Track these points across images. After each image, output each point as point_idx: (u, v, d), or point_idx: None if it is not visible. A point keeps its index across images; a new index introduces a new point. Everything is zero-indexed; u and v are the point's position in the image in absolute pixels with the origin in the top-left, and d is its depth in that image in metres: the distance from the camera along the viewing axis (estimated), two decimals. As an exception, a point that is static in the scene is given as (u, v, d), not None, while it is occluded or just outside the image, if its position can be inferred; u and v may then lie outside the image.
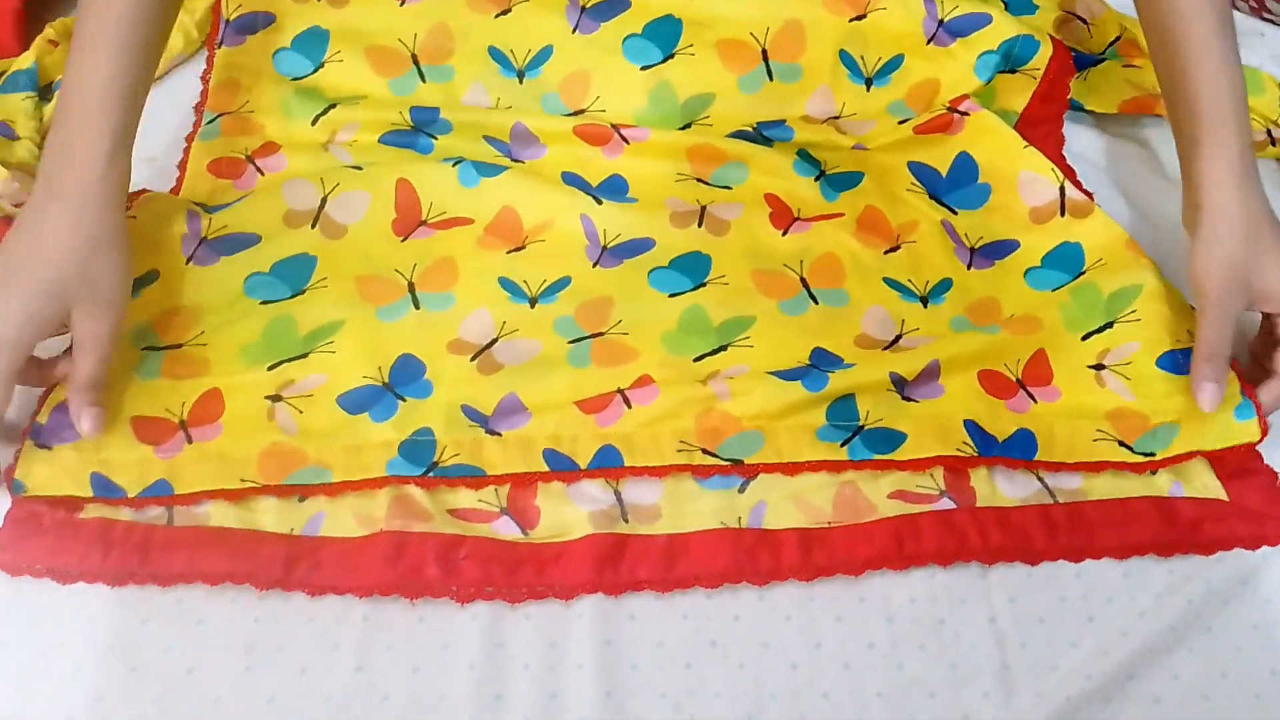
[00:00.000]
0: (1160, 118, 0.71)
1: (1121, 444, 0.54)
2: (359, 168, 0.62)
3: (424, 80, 0.68)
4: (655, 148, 0.65)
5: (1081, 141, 0.70)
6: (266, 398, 0.54)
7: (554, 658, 0.49)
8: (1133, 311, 0.57)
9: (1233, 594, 0.52)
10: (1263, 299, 0.56)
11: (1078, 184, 0.64)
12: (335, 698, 0.47)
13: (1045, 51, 0.67)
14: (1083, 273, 0.60)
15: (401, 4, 0.68)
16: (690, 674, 0.49)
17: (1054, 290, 0.60)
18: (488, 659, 0.48)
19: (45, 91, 0.67)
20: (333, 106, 0.65)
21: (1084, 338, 0.58)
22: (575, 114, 0.67)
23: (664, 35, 0.68)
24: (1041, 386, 0.57)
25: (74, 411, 0.51)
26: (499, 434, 0.53)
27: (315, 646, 0.48)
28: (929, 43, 0.68)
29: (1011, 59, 0.67)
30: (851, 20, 0.68)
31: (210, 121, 0.65)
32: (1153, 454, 0.54)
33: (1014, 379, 0.57)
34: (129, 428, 0.52)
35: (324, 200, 0.61)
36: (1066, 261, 0.61)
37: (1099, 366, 0.57)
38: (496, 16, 0.68)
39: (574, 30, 0.68)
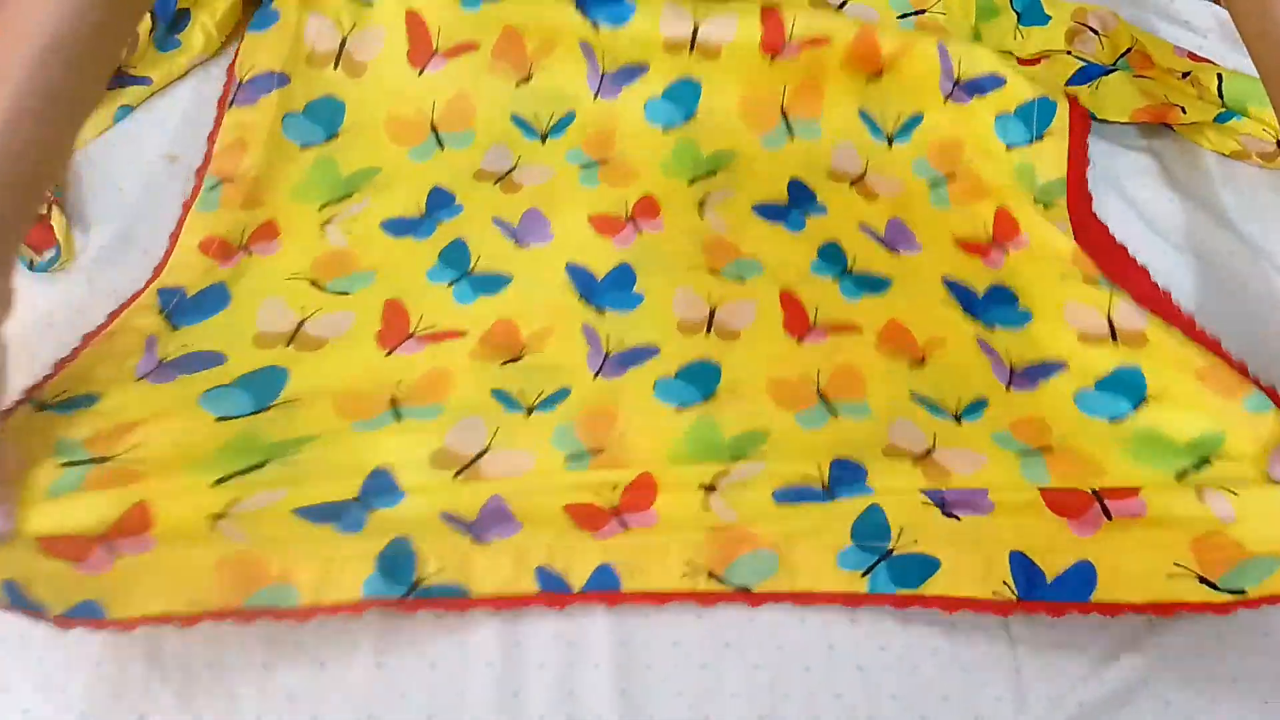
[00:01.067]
0: (1170, 131, 0.72)
1: (1203, 579, 0.47)
2: (345, 292, 0.58)
3: (443, 147, 0.66)
4: (669, 239, 0.61)
5: (1092, 151, 0.70)
6: (211, 515, 0.46)
7: (571, 656, 0.49)
8: (1223, 453, 0.51)
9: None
10: None
11: (1139, 282, 0.59)
12: (355, 693, 0.48)
13: (1064, 109, 0.66)
14: (1145, 401, 0.54)
15: (420, 73, 0.67)
16: (706, 673, 0.49)
17: (1110, 421, 0.54)
18: (505, 656, 0.49)
19: (65, 90, 0.67)
20: (347, 196, 0.63)
21: (1178, 476, 0.51)
22: (600, 162, 0.65)
23: (684, 97, 0.67)
24: (1121, 500, 0.49)
25: None
26: (486, 543, 0.48)
27: (334, 643, 0.49)
28: (946, 100, 0.67)
29: (1035, 124, 0.66)
30: (869, 78, 0.68)
31: (211, 188, 0.61)
32: (1243, 591, 0.46)
33: (1089, 491, 0.50)
34: (36, 547, 0.43)
35: (301, 323, 0.57)
36: (1124, 389, 0.55)
37: (1198, 487, 0.50)
38: (517, 85, 0.67)
39: (596, 96, 0.67)
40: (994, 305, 0.60)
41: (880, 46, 0.67)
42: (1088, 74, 0.71)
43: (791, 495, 0.50)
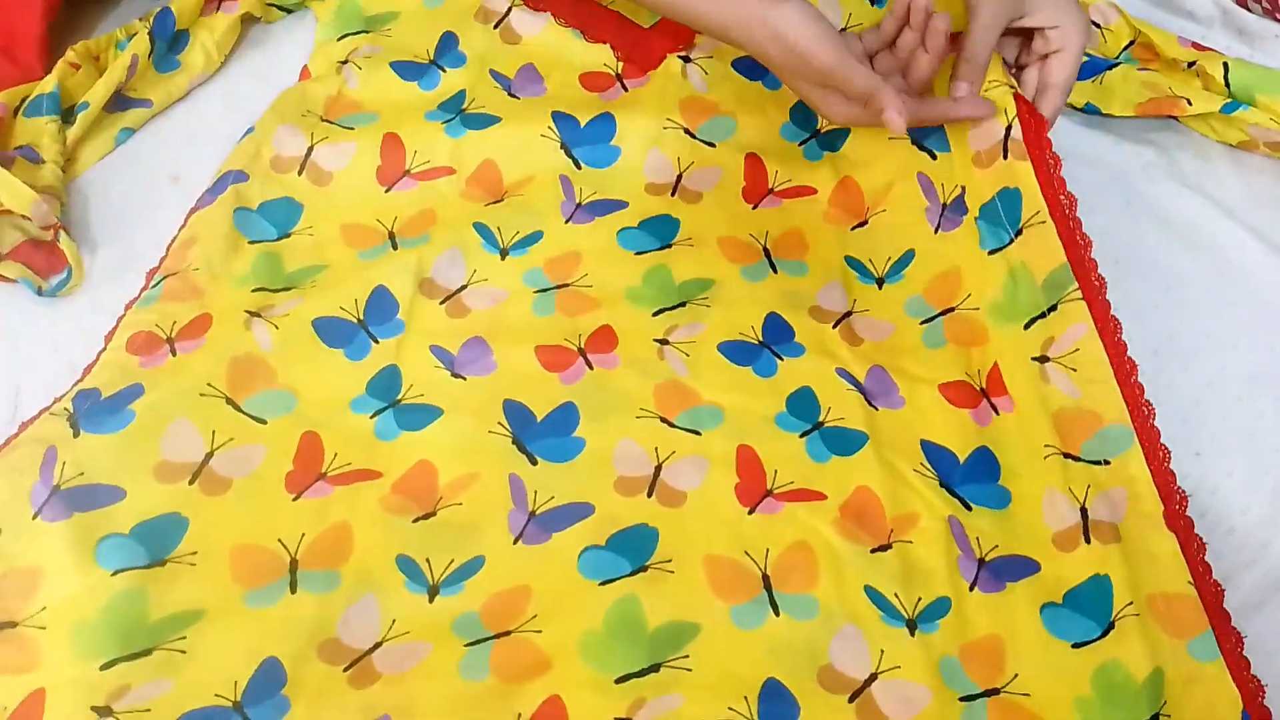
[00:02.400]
0: (1176, 123, 0.71)
1: None
2: (262, 421, 0.53)
3: (395, 249, 0.61)
4: (620, 378, 0.56)
5: (1098, 146, 0.69)
6: (94, 708, 0.44)
7: None
8: (1164, 704, 0.46)
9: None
10: (1034, 13, 0.60)
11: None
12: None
13: (1030, 188, 0.58)
14: (1111, 626, 0.48)
15: (387, 190, 0.64)
16: None
17: (1074, 647, 0.48)
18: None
19: (68, 114, 0.67)
20: (286, 290, 0.59)
21: None
22: (559, 287, 0.60)
23: (661, 230, 0.63)
24: None
25: None
26: None
27: None
28: (937, 230, 0.62)
29: (1005, 221, 0.59)
30: (853, 229, 0.64)
31: (155, 285, 0.58)
32: None
33: None
34: None
35: (210, 455, 0.52)
36: (1091, 606, 0.49)
37: None
38: (487, 205, 0.64)
39: (567, 221, 0.63)
40: (974, 477, 0.54)
41: (863, 193, 0.63)
42: (1092, 68, 0.70)
43: None
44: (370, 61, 0.69)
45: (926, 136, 0.64)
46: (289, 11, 0.75)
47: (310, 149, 0.65)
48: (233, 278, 0.59)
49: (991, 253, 0.59)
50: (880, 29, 0.63)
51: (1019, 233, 0.58)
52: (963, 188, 0.62)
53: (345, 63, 0.69)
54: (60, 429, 0.52)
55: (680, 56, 0.69)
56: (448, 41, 0.70)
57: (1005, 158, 0.59)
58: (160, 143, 0.68)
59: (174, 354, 0.55)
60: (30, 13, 0.69)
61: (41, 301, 0.60)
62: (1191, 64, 0.70)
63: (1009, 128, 0.59)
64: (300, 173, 0.64)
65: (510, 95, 0.67)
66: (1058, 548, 0.51)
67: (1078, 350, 0.54)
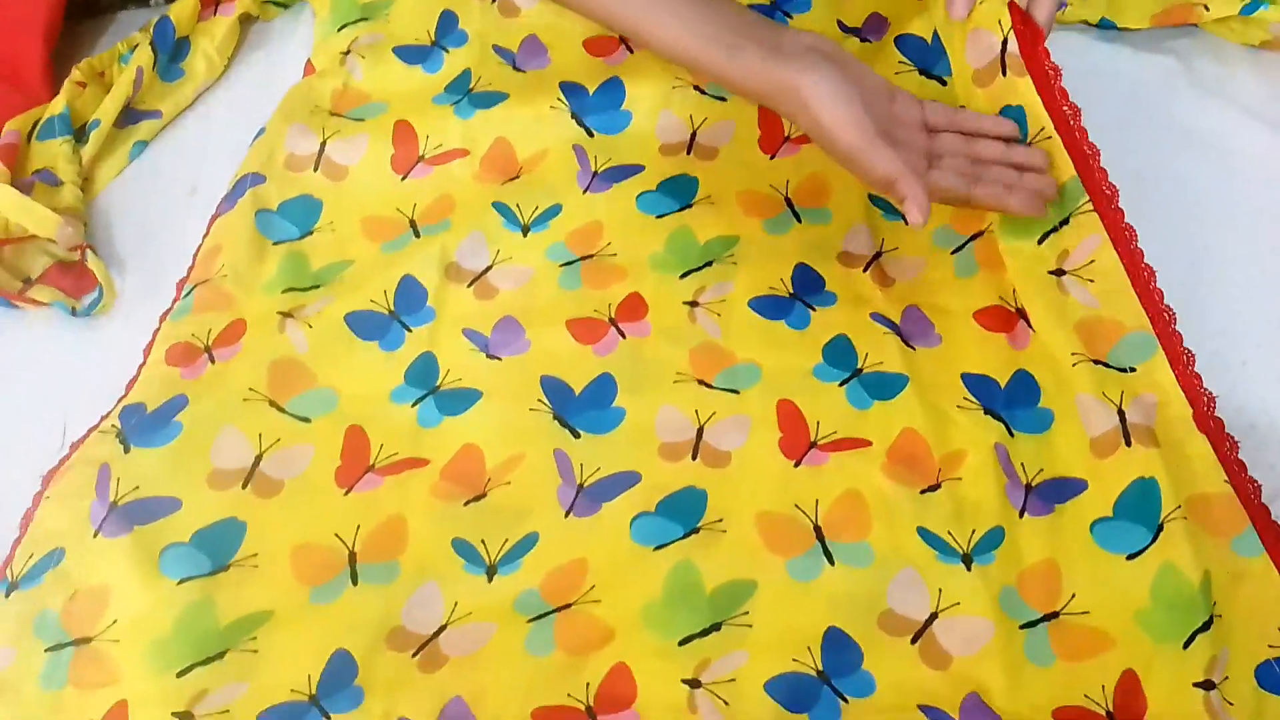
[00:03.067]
0: (1194, 27, 0.69)
1: None
2: (306, 420, 0.54)
3: (418, 237, 0.62)
4: (654, 346, 0.56)
5: (1116, 61, 0.68)
6: (175, 715, 0.45)
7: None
8: (1214, 605, 0.46)
9: None
10: None
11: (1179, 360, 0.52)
12: None
13: (1033, 104, 0.55)
14: (1160, 529, 0.48)
15: (403, 179, 0.64)
16: None
17: (1128, 558, 0.48)
18: None
19: (80, 134, 0.67)
20: (314, 288, 0.59)
21: (1186, 643, 0.46)
22: (584, 259, 0.60)
23: (680, 190, 0.63)
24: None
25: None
26: None
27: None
28: None
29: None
30: None
31: (186, 295, 0.59)
32: None
33: (1104, 712, 0.45)
34: None
35: (259, 459, 0.53)
36: (1141, 510, 0.49)
37: (1208, 685, 0.45)
38: (504, 183, 0.64)
39: (585, 191, 0.63)
40: (1016, 402, 0.54)
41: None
42: (1105, -20, 0.69)
43: (784, 691, 0.45)
44: (373, 50, 0.69)
45: (935, 64, 0.64)
46: (285, 7, 0.75)
47: (323, 145, 0.65)
48: (261, 282, 0.59)
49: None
50: (957, 116, 0.57)
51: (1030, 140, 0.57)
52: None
53: (348, 54, 0.69)
54: (111, 447, 0.53)
55: None
56: (447, 21, 0.70)
57: (1004, 74, 0.57)
58: (175, 153, 0.68)
59: (213, 362, 0.56)
60: (32, 37, 0.69)
61: (77, 323, 0.60)
62: (1206, -31, 0.68)
63: (1005, 41, 0.56)
64: (316, 169, 0.64)
65: (516, 69, 0.67)
66: (1097, 455, 0.51)
67: (1093, 262, 0.54)
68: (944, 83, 0.64)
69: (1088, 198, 0.54)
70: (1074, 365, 0.53)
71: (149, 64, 0.69)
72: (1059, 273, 0.55)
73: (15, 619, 0.48)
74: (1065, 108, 0.55)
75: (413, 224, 0.63)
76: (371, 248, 0.62)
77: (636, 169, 0.64)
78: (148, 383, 0.56)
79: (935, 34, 0.66)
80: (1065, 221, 0.55)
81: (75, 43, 0.73)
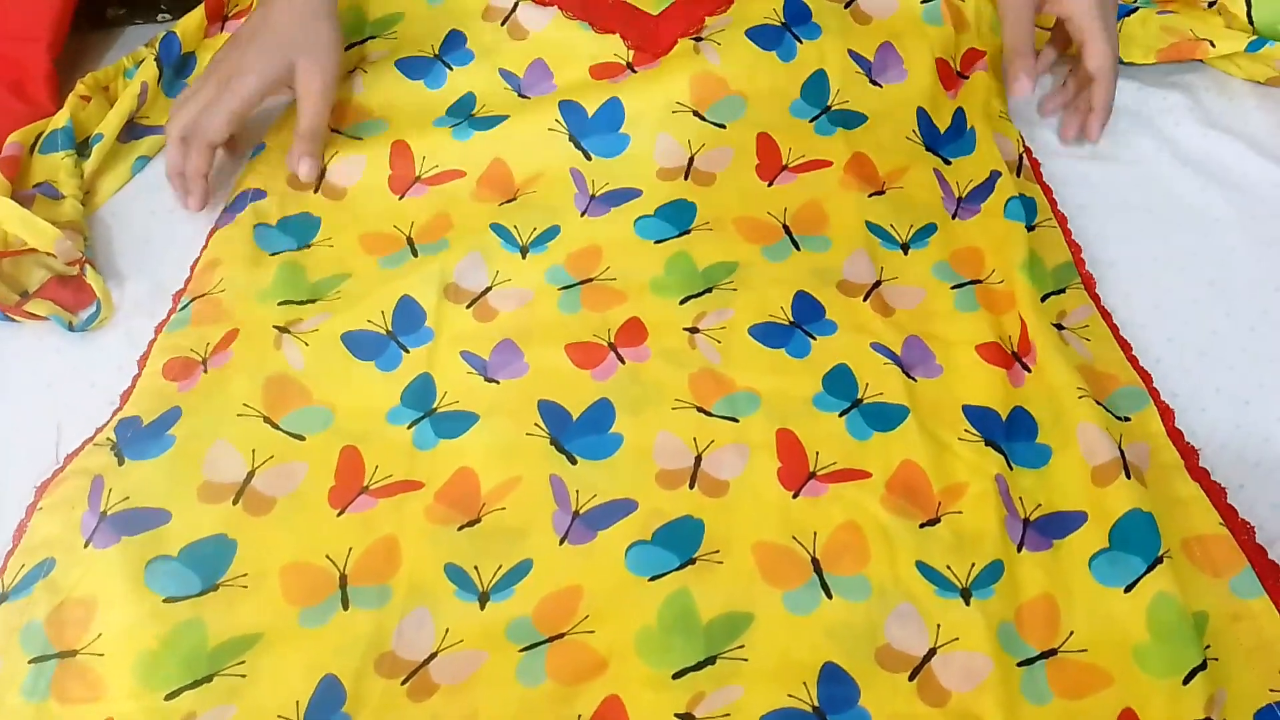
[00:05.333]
0: (1200, 63, 0.69)
1: None
2: (300, 438, 0.54)
3: (416, 255, 0.62)
4: (653, 371, 0.56)
5: (1123, 95, 0.68)
6: None
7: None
8: (1207, 648, 0.46)
9: None
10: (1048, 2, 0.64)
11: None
12: None
13: (1042, 202, 0.64)
14: (1159, 560, 0.48)
15: (401, 198, 0.64)
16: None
17: (1125, 591, 0.48)
18: None
19: (82, 147, 0.67)
20: (310, 301, 0.59)
21: (1186, 679, 0.45)
22: (583, 282, 0.60)
23: (678, 215, 0.63)
24: None
25: (293, 158, 0.63)
26: None
27: None
28: (954, 217, 0.63)
29: (1026, 215, 0.62)
30: (870, 196, 0.63)
31: (183, 308, 0.59)
32: None
33: None
34: None
35: (251, 474, 0.52)
36: (1138, 541, 0.49)
37: None
38: (500, 204, 0.64)
39: (583, 214, 0.63)
40: (1015, 436, 0.54)
41: (877, 169, 0.65)
42: (1110, 14, 0.69)
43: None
44: (376, 65, 0.69)
45: (942, 146, 0.66)
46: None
47: (324, 169, 0.65)
48: (257, 291, 0.59)
49: (1027, 228, 0.61)
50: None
51: (1032, 228, 0.61)
52: (973, 182, 0.64)
53: (354, 71, 0.69)
54: (105, 459, 0.52)
55: (692, 38, 0.68)
56: (454, 39, 0.70)
57: (1018, 175, 0.65)
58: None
59: (206, 371, 0.56)
60: (37, 49, 0.69)
61: (74, 337, 0.60)
62: (1213, 3, 0.68)
63: (1021, 156, 0.66)
64: (316, 191, 0.65)
65: (520, 96, 0.67)
66: (1098, 484, 0.51)
67: (1087, 325, 0.58)
68: (948, 162, 0.66)
69: (1079, 280, 0.60)
70: (1079, 398, 0.53)
71: (154, 79, 0.69)
72: (1059, 327, 0.57)
73: (2, 629, 0.48)
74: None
75: (410, 242, 0.63)
76: (369, 262, 0.61)
77: (634, 193, 0.64)
78: (143, 395, 0.55)
79: (951, 122, 0.68)
80: (1063, 290, 0.59)
81: (80, 56, 0.73)
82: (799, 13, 0.68)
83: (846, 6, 0.69)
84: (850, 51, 0.67)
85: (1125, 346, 0.57)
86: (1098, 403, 0.53)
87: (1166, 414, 0.54)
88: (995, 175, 0.64)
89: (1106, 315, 0.58)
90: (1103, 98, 0.65)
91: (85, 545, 0.49)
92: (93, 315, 0.60)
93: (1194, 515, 0.50)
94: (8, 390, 0.59)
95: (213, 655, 0.47)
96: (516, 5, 0.68)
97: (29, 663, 0.46)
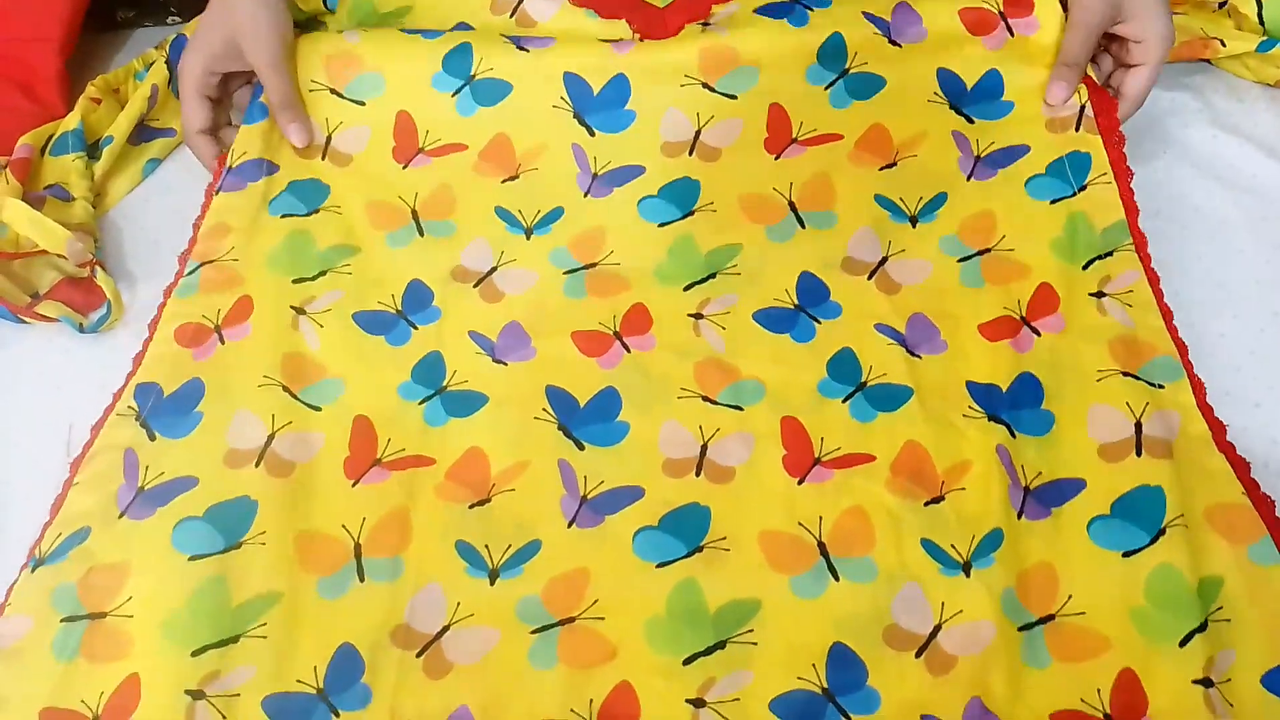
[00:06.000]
0: (1209, 64, 0.69)
1: None
2: (316, 408, 0.55)
3: (421, 235, 0.62)
4: (658, 360, 0.57)
5: (1131, 95, 0.68)
6: (187, 692, 0.46)
7: None
8: (1219, 610, 0.47)
9: None
10: (1125, 18, 0.62)
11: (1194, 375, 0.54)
12: None
13: (1099, 158, 0.62)
14: (1161, 532, 0.49)
15: (405, 167, 0.65)
16: None
17: (1124, 556, 0.49)
18: None
19: (93, 149, 0.67)
20: (321, 274, 0.60)
21: (1182, 642, 0.46)
22: (587, 267, 0.61)
23: (681, 195, 0.63)
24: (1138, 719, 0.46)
25: (282, 129, 0.64)
26: None
27: None
28: (969, 178, 0.63)
29: (1071, 178, 0.61)
30: (881, 169, 0.63)
31: (191, 272, 0.60)
32: None
33: (1100, 716, 0.46)
34: None
35: (271, 438, 0.54)
36: (1142, 514, 0.50)
37: (1207, 682, 0.45)
38: (503, 182, 0.64)
39: (585, 194, 0.63)
40: (1018, 403, 0.54)
41: (892, 137, 0.64)
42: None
43: (789, 709, 0.46)
44: (374, 30, 0.68)
45: (967, 105, 0.65)
46: (299, 25, 0.75)
47: (329, 138, 0.66)
48: (266, 255, 0.60)
49: (1053, 202, 0.61)
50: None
51: (1083, 188, 0.60)
52: (995, 145, 0.63)
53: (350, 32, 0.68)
54: (133, 431, 0.54)
55: (700, 24, 0.68)
56: (461, 29, 0.69)
57: (1077, 130, 0.63)
58: (187, 170, 0.67)
59: (223, 342, 0.57)
60: (48, 51, 0.69)
61: (84, 339, 0.60)
62: (1223, 3, 0.68)
63: (1083, 107, 0.63)
64: (324, 158, 0.66)
65: (520, 49, 0.65)
66: (1104, 459, 0.52)
67: (1131, 290, 0.57)
68: (971, 121, 0.64)
69: (1130, 241, 0.58)
70: (1098, 380, 0.54)
71: (164, 81, 0.70)
72: (1099, 295, 0.57)
73: (36, 590, 0.49)
74: (1127, 165, 0.62)
75: (415, 215, 0.63)
76: (376, 236, 0.62)
77: (637, 170, 0.64)
78: (159, 361, 0.57)
79: (979, 80, 0.66)
80: (1109, 253, 0.58)
81: (91, 58, 0.73)
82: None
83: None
84: (865, 14, 0.66)
85: (1167, 315, 0.56)
86: (1126, 374, 0.54)
87: (1198, 387, 0.54)
88: (1024, 149, 0.63)
89: (1154, 279, 0.57)
90: (1142, 86, 0.63)
91: (120, 516, 0.51)
92: (103, 317, 0.60)
93: (1219, 485, 0.51)
94: (18, 392, 0.59)
95: (236, 614, 0.49)
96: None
97: (60, 622, 0.48)
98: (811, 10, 0.66)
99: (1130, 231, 0.59)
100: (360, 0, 0.70)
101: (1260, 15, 0.67)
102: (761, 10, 0.66)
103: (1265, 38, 0.66)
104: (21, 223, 0.61)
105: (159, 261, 0.63)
